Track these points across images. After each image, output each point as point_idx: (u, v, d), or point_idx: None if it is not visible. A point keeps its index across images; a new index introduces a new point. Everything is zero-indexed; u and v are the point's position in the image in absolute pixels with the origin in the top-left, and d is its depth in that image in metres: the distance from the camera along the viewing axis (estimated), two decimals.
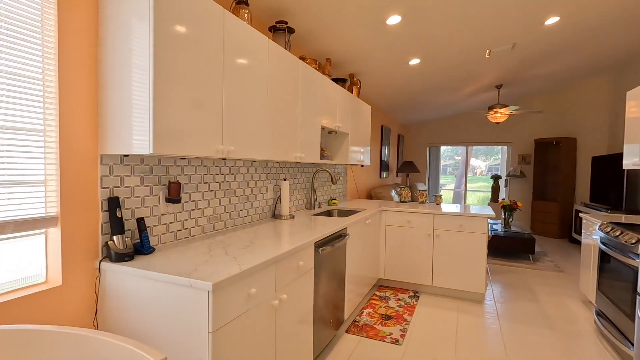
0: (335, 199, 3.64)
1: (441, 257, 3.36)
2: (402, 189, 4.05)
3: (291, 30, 2.45)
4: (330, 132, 3.35)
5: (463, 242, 3.27)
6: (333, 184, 3.17)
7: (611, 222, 2.71)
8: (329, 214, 3.43)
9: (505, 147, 7.84)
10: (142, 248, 1.52)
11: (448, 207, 3.67)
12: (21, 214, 1.25)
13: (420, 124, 8.32)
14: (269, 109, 2.04)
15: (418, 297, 3.39)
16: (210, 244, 1.78)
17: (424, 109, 6.73)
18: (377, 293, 3.47)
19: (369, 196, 5.46)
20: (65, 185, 1.34)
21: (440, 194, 3.65)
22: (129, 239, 1.48)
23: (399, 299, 3.30)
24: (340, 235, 2.48)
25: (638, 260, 2.13)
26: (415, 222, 3.45)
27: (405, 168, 6.91)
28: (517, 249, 4.82)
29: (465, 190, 8.41)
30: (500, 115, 5.65)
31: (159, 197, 1.72)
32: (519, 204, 4.97)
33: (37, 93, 1.28)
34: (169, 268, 1.35)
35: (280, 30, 2.41)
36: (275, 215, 2.70)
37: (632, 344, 2.12)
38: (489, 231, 4.80)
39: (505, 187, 7.57)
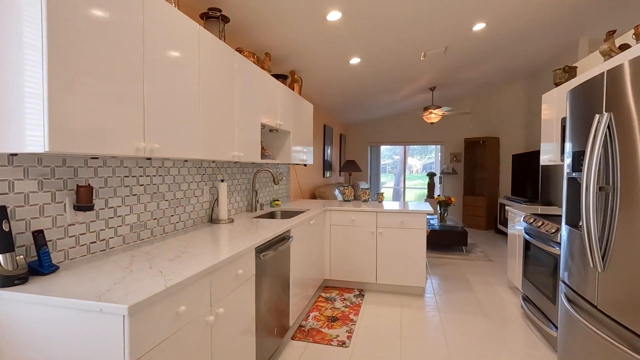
0: (278, 200, 3.50)
1: (385, 254, 3.41)
2: (346, 187, 4.05)
3: (226, 19, 2.26)
4: (271, 131, 3.21)
5: (405, 238, 3.35)
6: (275, 184, 3.04)
7: (534, 214, 2.95)
8: (271, 215, 3.28)
9: (439, 147, 8.34)
10: (40, 267, 1.25)
11: (390, 204, 3.74)
12: None
13: (361, 124, 8.51)
14: (201, 103, 1.85)
15: (363, 295, 3.40)
16: (132, 256, 1.55)
17: (365, 109, 6.87)
18: (323, 294, 3.41)
19: (313, 196, 5.41)
20: None
21: (382, 191, 3.69)
22: (22, 257, 1.20)
23: (344, 299, 3.27)
24: (283, 238, 2.35)
25: (558, 248, 2.32)
26: (359, 220, 3.45)
27: (348, 167, 7.00)
28: (452, 241, 5.11)
29: (404, 187, 8.79)
30: (434, 116, 5.96)
31: (65, 205, 1.44)
32: (452, 199, 5.28)
33: None
34: (75, 290, 1.11)
35: (213, 18, 2.22)
36: (213, 220, 2.49)
37: (555, 326, 2.31)
38: (427, 226, 5.03)
39: (439, 184, 8.05)
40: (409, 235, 3.34)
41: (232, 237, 1.99)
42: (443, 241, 5.14)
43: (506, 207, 3.71)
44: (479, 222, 7.17)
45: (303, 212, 3.30)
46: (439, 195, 5.47)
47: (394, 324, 2.79)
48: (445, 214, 5.39)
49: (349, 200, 4.06)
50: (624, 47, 2.52)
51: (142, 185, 1.86)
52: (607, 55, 2.56)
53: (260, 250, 1.95)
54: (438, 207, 5.44)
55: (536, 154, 5.51)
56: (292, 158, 3.45)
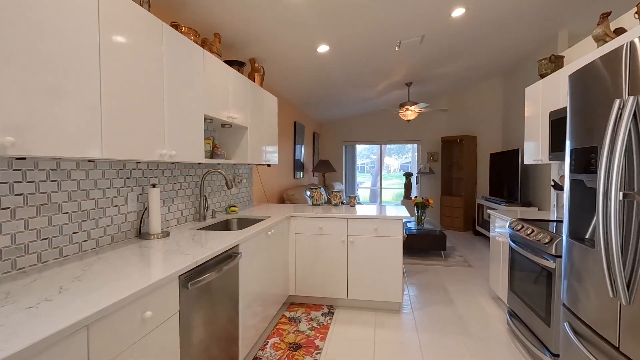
0: (234, 206, 3.04)
1: (357, 266, 3.01)
2: (314, 190, 3.63)
3: None
4: (223, 126, 2.74)
5: (379, 247, 2.97)
6: (229, 188, 2.58)
7: (520, 220, 2.64)
8: (225, 225, 2.82)
9: (416, 146, 8.09)
10: None
11: (363, 208, 3.36)
12: None
13: (336, 122, 8.13)
14: (104, 86, 1.38)
15: (333, 313, 2.99)
16: None
17: (339, 105, 6.49)
18: (287, 313, 2.98)
19: (281, 200, 4.96)
20: None
21: (355, 194, 3.30)
22: None
23: (311, 319, 2.85)
24: (230, 256, 1.91)
25: (551, 261, 2.00)
26: (328, 228, 3.04)
27: (321, 167, 6.60)
28: (430, 246, 4.80)
29: (381, 187, 8.49)
30: (410, 113, 5.65)
31: None
32: (430, 201, 4.98)
33: None
34: None
35: None
36: (142, 234, 2.01)
37: (552, 353, 1.98)
38: (404, 230, 4.70)
39: (416, 184, 7.78)
40: (384, 244, 2.96)
41: (154, 260, 1.53)
42: (421, 246, 4.82)
43: (487, 209, 3.40)
44: (456, 224, 6.94)
45: (263, 219, 2.86)
46: (416, 197, 5.16)
47: (366, 350, 2.39)
48: (423, 217, 5.08)
49: (319, 205, 3.65)
50: (620, 31, 2.23)
51: (21, 194, 1.36)
52: (601, 40, 2.26)
53: (189, 277, 1.50)
54: (415, 209, 5.12)
55: (514, 153, 5.30)
56: (251, 157, 3.00)
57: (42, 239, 1.45)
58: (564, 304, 1.62)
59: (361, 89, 5.46)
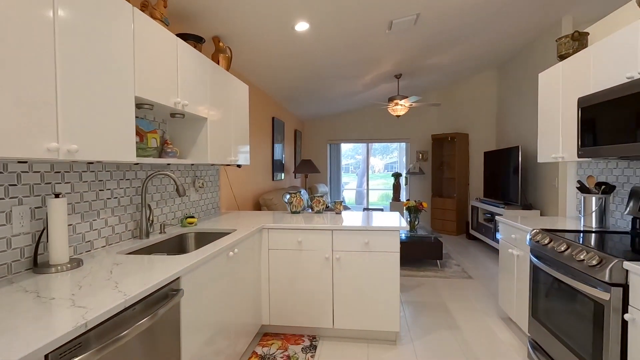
0: (192, 217, 2.44)
1: (344, 288, 2.47)
2: (294, 194, 3.07)
3: None
4: (173, 116, 2.14)
5: (371, 265, 2.43)
6: (179, 195, 2.00)
7: (545, 230, 2.15)
8: (177, 243, 2.22)
9: (402, 145, 7.63)
10: None
11: (351, 216, 2.82)
12: None
13: (320, 120, 7.59)
14: None
15: (315, 346, 2.44)
16: None
17: (323, 100, 5.94)
18: (259, 349, 2.40)
19: (257, 205, 4.37)
20: None
21: (341, 200, 2.74)
22: None
23: (288, 357, 2.29)
24: (165, 296, 1.33)
25: (601, 290, 1.50)
26: (309, 242, 2.49)
27: (303, 168, 6.03)
28: (424, 254, 4.31)
29: (368, 189, 7.99)
30: (400, 108, 5.16)
31: None
32: (424, 204, 4.49)
33: None
34: None
35: None
36: (39, 266, 1.40)
37: None
38: None
39: (405, 184, 7.32)
40: (377, 261, 2.42)
41: (14, 322, 0.93)
42: (414, 255, 4.33)
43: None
44: (448, 227, 6.50)
45: (227, 233, 2.28)
46: (408, 200, 4.66)
47: None
48: (416, 222, 4.58)
49: (299, 212, 3.09)
50: None
51: None
52: None
53: (72, 351, 0.91)
54: (407, 213, 4.62)
55: (511, 151, 4.88)
56: (213, 156, 2.41)
57: None
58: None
59: (347, 80, 4.93)
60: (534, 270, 2.15)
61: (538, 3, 3.48)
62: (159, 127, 2.30)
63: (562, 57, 2.48)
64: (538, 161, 2.79)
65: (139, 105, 1.76)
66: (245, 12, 2.56)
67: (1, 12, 0.99)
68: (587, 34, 2.40)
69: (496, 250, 5.23)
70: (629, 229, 2.19)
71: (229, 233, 2.27)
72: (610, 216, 2.36)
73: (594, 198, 2.25)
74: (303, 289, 2.51)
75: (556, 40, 2.51)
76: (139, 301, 1.18)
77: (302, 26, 2.93)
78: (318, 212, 3.08)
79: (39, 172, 1.44)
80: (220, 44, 2.79)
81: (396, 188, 7.03)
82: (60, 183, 1.54)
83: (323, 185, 7.08)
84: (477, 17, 3.49)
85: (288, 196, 3.08)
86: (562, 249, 1.81)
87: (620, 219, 2.29)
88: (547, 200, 4.47)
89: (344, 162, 12.20)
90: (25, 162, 1.38)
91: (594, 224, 2.26)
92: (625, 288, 1.43)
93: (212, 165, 3.07)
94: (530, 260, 2.17)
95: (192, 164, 2.50)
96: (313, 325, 2.51)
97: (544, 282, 2.04)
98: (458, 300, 3.30)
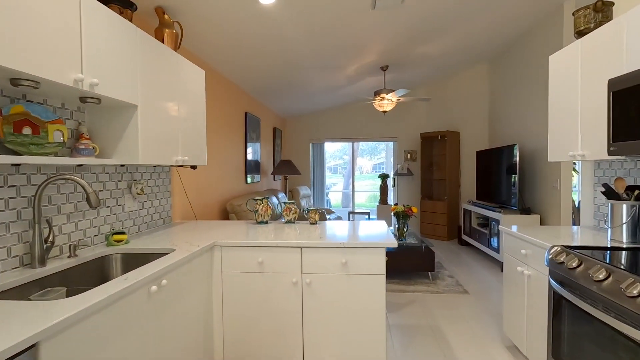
0: (121, 233, 1.91)
1: (317, 319, 1.97)
2: (258, 202, 2.56)
3: None
4: (84, 100, 1.60)
5: (350, 291, 1.94)
6: (92, 207, 1.48)
7: (568, 248, 1.69)
8: (90, 272, 1.68)
9: (391, 145, 7.20)
10: None
11: (328, 228, 2.32)
12: None
13: (301, 117, 7.08)
14: None
15: None
16: None
17: (303, 95, 5.44)
18: None
19: (224, 213, 3.83)
20: None
21: (317, 208, 2.23)
22: None
23: None
24: None
25: None
26: (272, 262, 1.98)
27: (282, 169, 5.52)
28: (414, 266, 3.85)
29: (353, 191, 7.51)
30: (387, 102, 4.70)
31: None
32: (413, 209, 4.03)
33: None
34: None
35: None
36: None
37: None
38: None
39: (393, 186, 6.88)
40: (358, 286, 1.93)
41: None
42: (403, 266, 3.86)
43: (500, 227, 2.48)
44: (439, 232, 6.08)
45: (164, 254, 1.76)
46: (395, 205, 4.20)
47: None
48: (405, 229, 4.12)
49: (265, 222, 2.58)
50: None
51: None
52: None
53: None
54: (394, 219, 4.16)
55: (506, 150, 4.47)
56: (146, 155, 1.88)
57: None
58: None
59: (329, 72, 4.44)
60: (556, 299, 1.69)
61: None
62: (72, 117, 1.76)
63: (580, 34, 2.04)
64: (548, 160, 2.35)
65: (15, 82, 1.22)
66: None
67: None
68: (612, 3, 1.96)
69: (492, 259, 4.82)
70: None
71: (165, 254, 1.75)
72: None
73: (625, 206, 1.81)
74: (266, 321, 2.00)
75: (573, 14, 2.07)
76: None
77: None
78: (289, 222, 2.57)
79: None
80: (166, 16, 2.26)
81: (383, 190, 6.58)
82: None
83: (305, 188, 6.58)
84: (468, 1, 3.05)
85: (253, 202, 2.57)
86: (601, 277, 1.35)
87: None
88: (547, 203, 4.07)
89: (332, 162, 11.73)
90: None
91: (624, 238, 1.82)
92: None
93: (156, 166, 2.53)
94: (550, 286, 1.72)
95: (123, 165, 1.97)
96: None
97: (571, 316, 1.58)
98: (454, 322, 2.84)
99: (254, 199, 2.60)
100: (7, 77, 1.20)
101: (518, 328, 2.18)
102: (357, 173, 12.00)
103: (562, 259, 1.63)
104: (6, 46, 1.10)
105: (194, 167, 2.57)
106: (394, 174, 6.77)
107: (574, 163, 4.02)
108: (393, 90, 4.61)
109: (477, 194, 5.44)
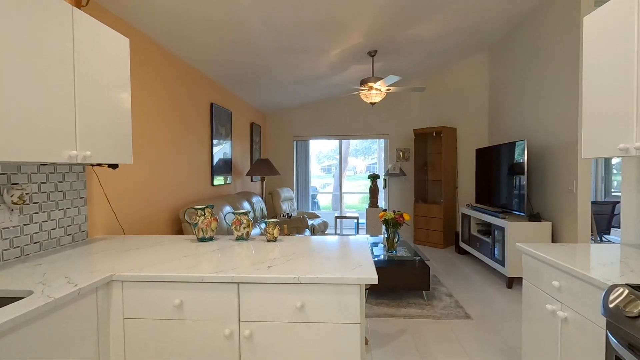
0: None
1: None
2: (199, 212, 1.94)
3: None
4: None
5: (309, 348, 1.32)
6: None
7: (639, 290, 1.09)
8: None
9: (383, 143, 6.61)
10: None
11: (289, 248, 1.70)
12: None
13: (283, 112, 6.46)
14: None
15: None
16: None
17: (281, 84, 4.82)
18: None
19: (177, 224, 3.17)
20: None
21: (274, 220, 1.57)
22: None
23: None
24: None
25: None
26: (197, 304, 1.36)
27: (259, 169, 4.89)
28: (406, 284, 3.25)
29: (341, 194, 6.90)
30: (375, 93, 4.10)
31: None
32: (405, 216, 3.43)
33: None
34: None
35: None
36: None
37: None
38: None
39: (384, 188, 6.28)
40: (321, 340, 1.32)
41: None
42: (393, 283, 3.26)
43: (524, 253, 1.89)
44: (434, 238, 5.49)
45: (16, 299, 1.12)
46: (384, 211, 3.60)
47: None
48: (396, 240, 3.52)
49: (209, 239, 1.96)
50: None
51: None
52: None
53: None
54: (384, 228, 3.56)
55: (511, 147, 3.89)
56: (11, 150, 1.24)
57: None
58: None
59: (308, 55, 3.83)
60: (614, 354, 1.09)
61: None
62: None
63: None
64: (583, 157, 1.76)
65: None
66: None
67: None
68: None
69: (496, 272, 4.24)
70: None
71: (16, 299, 1.12)
72: None
73: None
74: None
75: None
76: None
77: None
78: (240, 239, 1.95)
79: None
80: None
81: (373, 192, 5.98)
82: None
83: (288, 190, 5.96)
84: None
85: (192, 216, 1.94)
86: None
87: None
88: (560, 209, 3.50)
89: (325, 163, 11.12)
90: None
91: None
92: None
93: (54, 164, 1.89)
94: (609, 344, 1.12)
95: (4, 162, 1.33)
96: None
97: None
98: (455, 358, 2.24)
99: (195, 208, 1.97)
100: None
101: None
102: (351, 174, 11.40)
103: (635, 311, 1.02)
104: None
105: (113, 166, 1.94)
106: (385, 175, 6.18)
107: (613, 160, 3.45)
108: (382, 79, 4.01)
109: (477, 197, 4.87)
